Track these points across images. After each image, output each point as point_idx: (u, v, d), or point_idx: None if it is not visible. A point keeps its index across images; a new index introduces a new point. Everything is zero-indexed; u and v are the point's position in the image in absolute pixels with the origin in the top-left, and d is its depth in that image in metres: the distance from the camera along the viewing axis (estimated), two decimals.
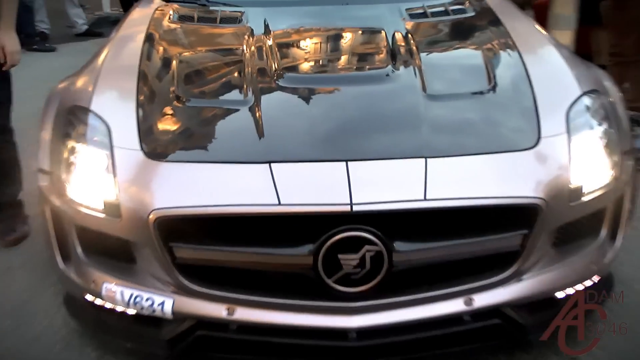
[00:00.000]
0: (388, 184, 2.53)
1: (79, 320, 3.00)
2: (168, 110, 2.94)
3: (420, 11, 3.84)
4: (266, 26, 3.57)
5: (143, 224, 2.53)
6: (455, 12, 3.90)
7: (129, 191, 2.61)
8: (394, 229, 2.47)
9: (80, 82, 3.17)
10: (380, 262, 2.46)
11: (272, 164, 2.54)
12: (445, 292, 2.61)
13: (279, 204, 2.45)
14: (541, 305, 2.79)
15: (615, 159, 2.89)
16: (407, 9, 3.84)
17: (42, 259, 3.40)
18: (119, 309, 2.73)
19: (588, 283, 2.90)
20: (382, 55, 3.35)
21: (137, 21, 3.81)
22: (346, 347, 2.60)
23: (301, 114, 2.90)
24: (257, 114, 2.80)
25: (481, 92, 3.03)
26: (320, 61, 3.55)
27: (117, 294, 2.68)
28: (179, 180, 2.61)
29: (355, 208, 2.42)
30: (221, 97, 3.09)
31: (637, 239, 3.58)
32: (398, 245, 2.48)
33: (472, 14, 3.89)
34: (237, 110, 2.89)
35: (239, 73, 3.16)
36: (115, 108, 2.91)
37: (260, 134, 2.70)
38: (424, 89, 2.96)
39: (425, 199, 2.48)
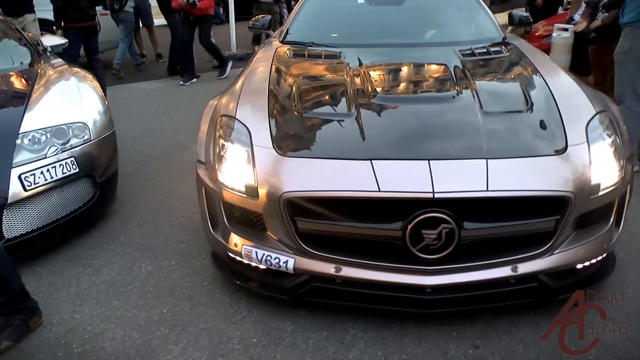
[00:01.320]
0: (460, 178, 2.35)
1: (222, 271, 2.83)
2: (291, 119, 2.78)
3: (469, 52, 3.59)
4: (359, 60, 3.38)
5: (275, 203, 2.40)
6: (494, 52, 3.66)
7: (265, 178, 2.46)
8: (463, 211, 2.30)
9: (226, 99, 3.04)
10: (452, 236, 2.29)
11: (373, 161, 2.39)
12: (498, 261, 2.41)
13: (379, 190, 2.29)
14: (565, 274, 2.56)
15: (622, 164, 2.65)
16: (459, 50, 3.60)
17: (194, 222, 3.37)
18: (253, 264, 2.60)
19: (599, 257, 2.66)
20: (447, 82, 3.13)
21: (264, 58, 3.66)
22: (423, 299, 2.42)
23: (392, 124, 2.72)
24: (360, 123, 2.62)
25: (521, 111, 2.79)
26: (403, 85, 3.34)
27: (253, 253, 2.54)
28: (302, 171, 2.45)
29: (436, 196, 2.26)
30: (330, 110, 2.88)
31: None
32: (466, 224, 2.31)
33: (507, 53, 3.65)
34: (344, 120, 2.70)
35: (343, 93, 2.97)
36: (253, 117, 2.74)
37: (363, 138, 2.53)
38: (481, 107, 2.75)
39: (487, 190, 2.30)
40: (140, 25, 9.21)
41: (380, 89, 3.05)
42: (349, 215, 2.35)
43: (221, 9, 13.75)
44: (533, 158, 2.46)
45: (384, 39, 3.96)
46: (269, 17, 4.74)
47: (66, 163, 3.15)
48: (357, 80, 3.09)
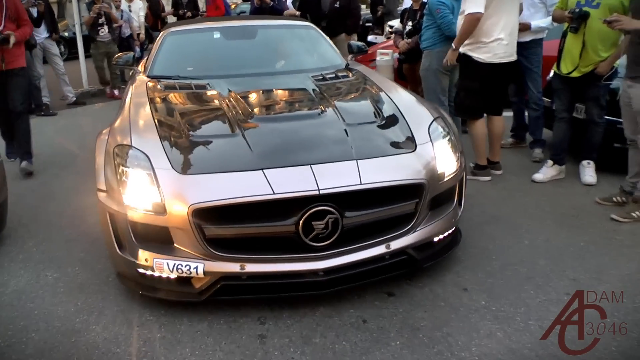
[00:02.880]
0: (338, 176, 2.82)
1: (131, 287, 3.03)
2: (183, 143, 3.06)
3: (321, 77, 4.15)
4: (229, 89, 3.77)
5: (183, 216, 2.69)
6: (342, 76, 4.28)
7: (171, 195, 2.75)
8: (344, 203, 2.76)
9: (117, 131, 3.25)
10: (337, 225, 2.75)
11: (264, 170, 2.78)
12: (375, 241, 2.91)
13: (274, 193, 2.69)
14: (426, 246, 3.12)
15: (458, 155, 3.30)
16: (312, 76, 4.15)
17: (88, 236, 3.79)
18: (164, 275, 2.84)
19: (450, 231, 3.27)
20: (311, 102, 3.63)
21: (139, 92, 3.91)
22: (318, 281, 2.84)
23: (274, 139, 3.10)
24: (246, 141, 3.00)
25: (375, 121, 3.35)
26: (274, 107, 3.78)
27: (164, 265, 2.80)
28: (205, 185, 2.77)
29: (321, 192, 2.71)
30: (216, 132, 3.21)
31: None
32: (347, 213, 2.77)
33: (354, 77, 4.29)
34: (231, 139, 3.06)
35: (223, 117, 3.33)
36: (148, 144, 3.01)
37: (251, 152, 2.91)
38: (343, 120, 3.26)
39: (361, 183, 2.80)
40: None
41: (256, 111, 3.46)
42: (249, 218, 2.73)
43: (62, 46, 13.47)
44: (392, 156, 3.03)
45: (244, 69, 4.40)
46: (131, 53, 4.97)
47: None
48: (233, 105, 3.46)
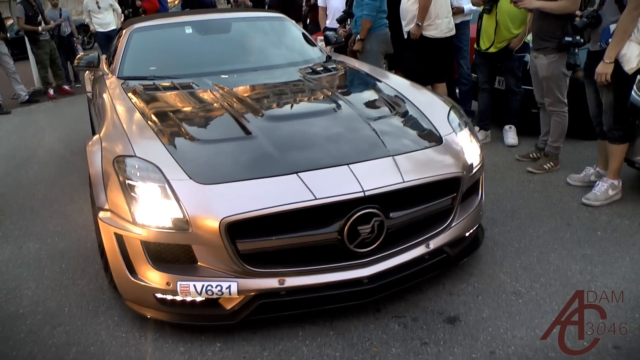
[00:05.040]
0: (379, 175, 2.63)
1: (148, 315, 2.72)
2: (192, 149, 2.77)
3: (310, 70, 3.95)
4: (220, 87, 3.51)
5: (212, 230, 2.42)
6: (332, 69, 4.10)
7: (195, 209, 2.46)
8: (387, 203, 2.58)
9: (111, 140, 2.91)
10: (382, 227, 2.56)
11: (299, 173, 2.55)
12: (416, 242, 2.76)
13: (316, 198, 2.46)
14: (458, 242, 2.99)
15: (479, 144, 3.18)
16: (300, 69, 3.95)
17: (62, 213, 4.21)
18: (188, 298, 2.56)
19: (477, 225, 3.17)
20: (318, 96, 3.44)
21: (116, 95, 3.55)
22: (362, 290, 2.64)
23: (296, 138, 2.88)
24: (269, 142, 2.76)
25: (391, 114, 3.18)
26: (281, 103, 3.48)
27: (191, 287, 2.53)
28: (235, 195, 2.49)
29: (366, 193, 2.51)
30: (226, 135, 2.91)
31: None
32: (391, 214, 2.59)
33: (343, 68, 4.13)
34: (249, 140, 2.80)
35: (228, 117, 3.06)
36: (154, 153, 2.69)
37: (277, 155, 2.67)
38: (360, 115, 3.06)
39: (404, 181, 2.62)
40: None
41: (262, 108, 3.17)
42: (289, 228, 2.49)
43: None
44: (422, 150, 2.87)
45: (225, 65, 4.14)
46: (95, 53, 4.56)
47: None
48: (234, 104, 3.21)
